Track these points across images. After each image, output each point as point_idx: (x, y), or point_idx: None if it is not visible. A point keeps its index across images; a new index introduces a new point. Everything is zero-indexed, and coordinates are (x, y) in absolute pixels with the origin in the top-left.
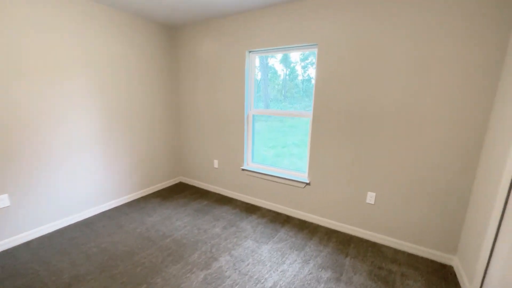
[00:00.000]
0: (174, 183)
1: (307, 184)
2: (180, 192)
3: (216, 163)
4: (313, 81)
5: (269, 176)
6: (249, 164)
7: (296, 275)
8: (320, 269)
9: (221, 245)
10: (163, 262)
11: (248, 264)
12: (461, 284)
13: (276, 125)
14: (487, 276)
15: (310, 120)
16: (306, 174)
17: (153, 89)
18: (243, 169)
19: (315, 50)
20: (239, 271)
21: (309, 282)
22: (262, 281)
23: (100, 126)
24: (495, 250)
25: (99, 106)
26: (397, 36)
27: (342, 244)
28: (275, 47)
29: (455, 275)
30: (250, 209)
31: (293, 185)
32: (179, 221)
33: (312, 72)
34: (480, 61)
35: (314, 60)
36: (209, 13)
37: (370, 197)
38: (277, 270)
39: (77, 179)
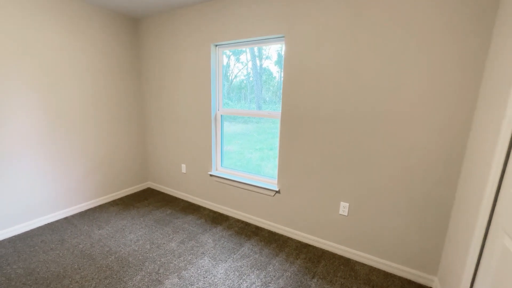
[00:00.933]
0: (141, 188)
1: (277, 192)
2: (144, 200)
3: (184, 168)
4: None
5: (237, 183)
6: (218, 169)
7: None
8: None
9: (172, 264)
10: (97, 286)
11: None
12: None
13: (268, 126)
14: None
15: (279, 122)
16: (276, 181)
17: (113, 87)
18: (211, 175)
19: (282, 44)
20: None
21: None
22: None
23: (47, 127)
24: (478, 272)
25: (45, 104)
26: (372, 30)
27: (311, 261)
28: (242, 40)
29: None
30: (217, 219)
31: (262, 193)
32: (132, 233)
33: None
34: (461, 61)
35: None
36: (173, 2)
37: (343, 208)
38: None
39: (17, 185)
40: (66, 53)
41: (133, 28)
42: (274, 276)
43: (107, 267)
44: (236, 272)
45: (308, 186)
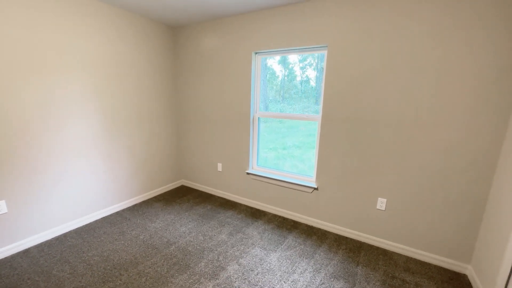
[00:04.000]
0: (176, 186)
1: (315, 189)
2: (183, 196)
3: (219, 166)
4: (311, 83)
5: (275, 181)
6: (254, 167)
7: (308, 285)
8: (332, 279)
9: (228, 253)
10: (169, 272)
11: (257, 274)
12: None
13: (275, 125)
14: None
15: (318, 124)
16: (314, 179)
17: (154, 90)
18: (248, 173)
19: (325, 52)
20: (249, 281)
21: None
22: None
23: (99, 130)
24: None
25: (98, 109)
26: (409, 37)
27: (352, 251)
28: (282, 49)
29: (470, 284)
30: (255, 214)
31: (300, 190)
32: (183, 227)
33: (311, 73)
34: (496, 63)
35: (312, 62)
36: (216, 12)
37: (381, 203)
38: (288, 280)
39: (76, 184)
40: (121, 61)
41: (173, 35)
42: (323, 264)
43: (172, 255)
44: (287, 260)
45: (346, 184)
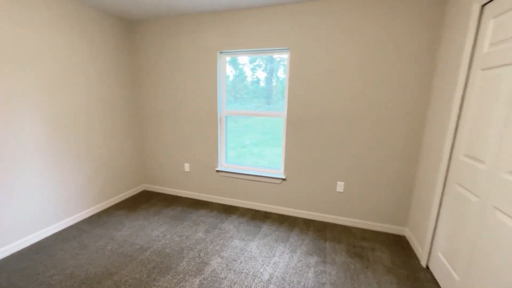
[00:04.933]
0: (137, 192)
1: (284, 179)
2: (147, 201)
3: (187, 167)
4: (261, 83)
5: (245, 175)
6: (223, 165)
7: (288, 264)
8: (307, 256)
9: (209, 249)
10: (149, 276)
11: (241, 263)
12: (414, 249)
13: (231, 125)
14: (435, 240)
15: (284, 120)
16: (282, 171)
17: (111, 89)
18: (217, 171)
19: (287, 54)
20: (234, 270)
21: (300, 268)
22: (259, 275)
23: (43, 134)
24: (438, 222)
25: (43, 109)
26: (356, 43)
27: (319, 231)
28: (247, 49)
29: (407, 241)
30: (228, 210)
31: (270, 182)
32: (155, 231)
33: (260, 74)
34: (416, 70)
35: (261, 63)
36: (173, 8)
37: (340, 186)
38: (270, 263)
39: (18, 197)
40: (62, 56)
41: (132, 30)
42: (297, 245)
43: (149, 260)
44: (266, 246)
45: (311, 172)
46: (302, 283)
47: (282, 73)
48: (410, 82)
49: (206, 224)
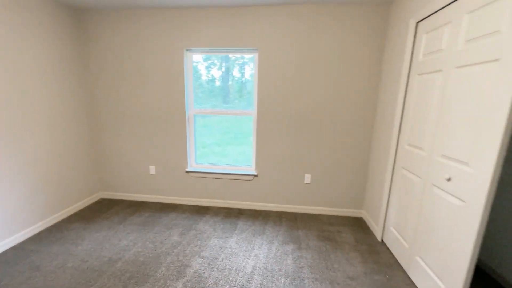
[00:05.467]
0: (93, 201)
1: (255, 176)
2: (108, 210)
3: (152, 170)
4: (217, 82)
5: (218, 174)
6: (193, 165)
7: (267, 255)
8: (284, 245)
9: (187, 251)
10: (126, 287)
11: (222, 260)
12: (371, 227)
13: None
14: (387, 218)
15: (254, 118)
16: (254, 167)
17: (56, 87)
18: (187, 171)
19: (256, 54)
20: (217, 268)
21: (280, 257)
22: (242, 269)
23: None
24: (389, 201)
25: None
26: (315, 49)
27: (291, 221)
28: (215, 48)
29: (365, 222)
30: (200, 211)
31: (242, 179)
32: (123, 240)
33: (215, 72)
34: (367, 74)
35: (216, 62)
36: (141, 2)
37: (307, 178)
38: (251, 256)
39: None
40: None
41: (82, 19)
42: (273, 236)
43: (123, 271)
44: (245, 241)
45: (281, 167)
46: (283, 270)
47: (237, 72)
48: (362, 85)
49: (180, 227)
